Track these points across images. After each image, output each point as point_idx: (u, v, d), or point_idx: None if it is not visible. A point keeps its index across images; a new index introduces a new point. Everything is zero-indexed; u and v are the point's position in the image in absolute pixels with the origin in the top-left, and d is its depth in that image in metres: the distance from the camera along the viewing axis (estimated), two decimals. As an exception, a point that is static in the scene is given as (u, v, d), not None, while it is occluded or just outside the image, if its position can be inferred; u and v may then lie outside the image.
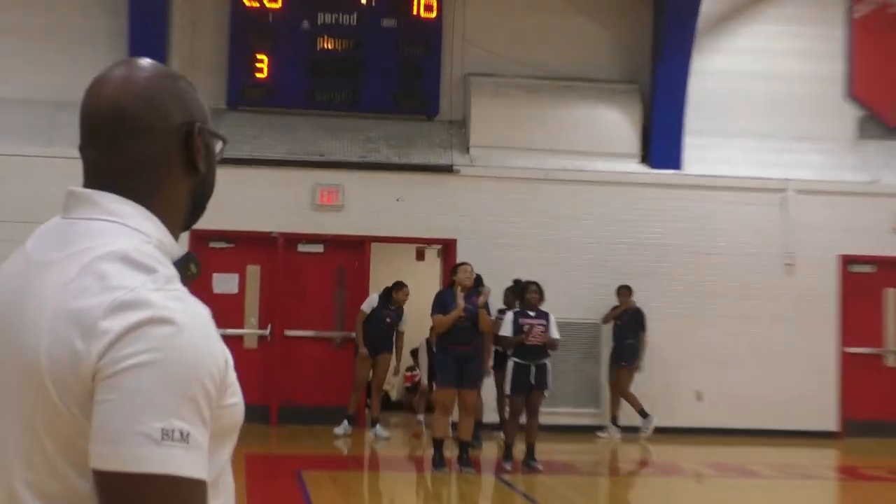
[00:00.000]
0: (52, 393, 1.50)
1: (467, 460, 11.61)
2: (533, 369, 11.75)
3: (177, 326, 1.49)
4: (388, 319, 14.10)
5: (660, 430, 15.15)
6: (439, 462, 11.57)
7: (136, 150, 1.68)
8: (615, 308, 15.15)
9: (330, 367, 15.06)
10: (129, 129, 1.68)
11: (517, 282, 13.95)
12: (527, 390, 11.75)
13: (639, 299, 15.42)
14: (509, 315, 12.11)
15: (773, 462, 13.39)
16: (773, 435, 15.37)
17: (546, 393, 12.20)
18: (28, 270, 1.61)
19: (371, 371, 14.18)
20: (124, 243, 1.58)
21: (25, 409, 1.54)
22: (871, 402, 15.86)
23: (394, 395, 17.87)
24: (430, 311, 11.90)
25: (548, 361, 11.94)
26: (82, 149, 1.74)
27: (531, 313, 11.92)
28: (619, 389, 14.95)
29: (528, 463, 11.85)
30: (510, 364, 11.96)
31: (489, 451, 13.08)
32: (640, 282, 15.55)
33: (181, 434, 1.45)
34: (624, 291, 15.10)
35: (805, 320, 15.86)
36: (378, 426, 14.15)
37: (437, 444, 11.65)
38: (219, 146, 1.80)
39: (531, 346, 11.71)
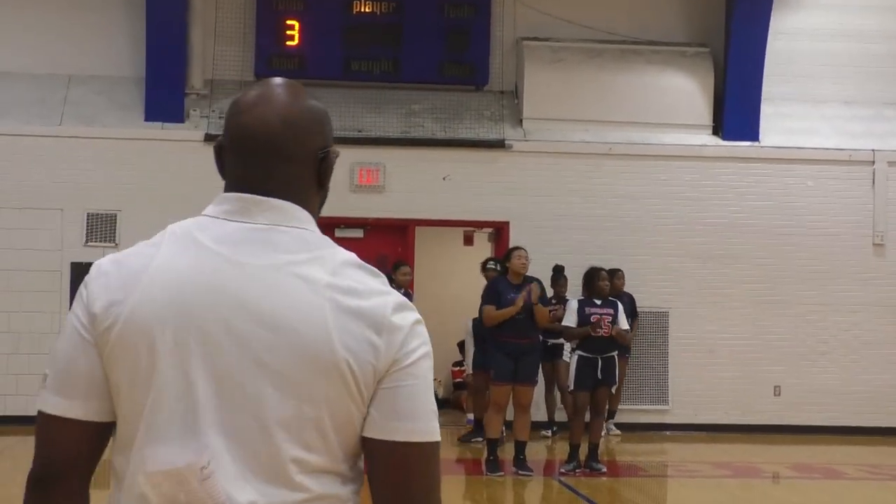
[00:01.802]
0: (349, 379, 2.06)
1: (524, 462, 12.26)
2: (599, 363, 12.31)
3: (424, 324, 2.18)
4: None
5: (734, 429, 15.79)
6: (493, 465, 12.19)
7: (282, 172, 2.19)
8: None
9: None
10: (278, 154, 2.18)
11: (558, 268, 14.62)
12: (592, 386, 12.34)
13: (712, 284, 16.03)
14: (573, 304, 12.60)
15: (862, 462, 13.93)
16: (862, 433, 15.89)
17: (613, 389, 12.85)
18: (240, 270, 2.09)
19: None
20: (345, 252, 2.17)
21: (307, 392, 2.06)
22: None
23: (441, 393, 18.53)
24: (479, 302, 12.39)
25: (615, 355, 12.55)
26: (226, 156, 2.22)
27: (597, 302, 12.50)
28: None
29: (591, 465, 12.45)
30: (574, 357, 12.52)
31: (539, 451, 13.71)
32: (713, 265, 16.13)
33: (436, 408, 2.17)
34: (619, 275, 15.23)
35: (896, 306, 16.36)
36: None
37: (491, 446, 12.27)
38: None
39: (598, 338, 12.24)
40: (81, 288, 2.18)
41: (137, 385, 2.10)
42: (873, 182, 16.48)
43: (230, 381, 2.07)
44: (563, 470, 12.41)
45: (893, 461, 14.25)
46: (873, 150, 16.50)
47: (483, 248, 17.25)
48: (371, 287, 2.12)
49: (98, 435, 2.16)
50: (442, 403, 18.02)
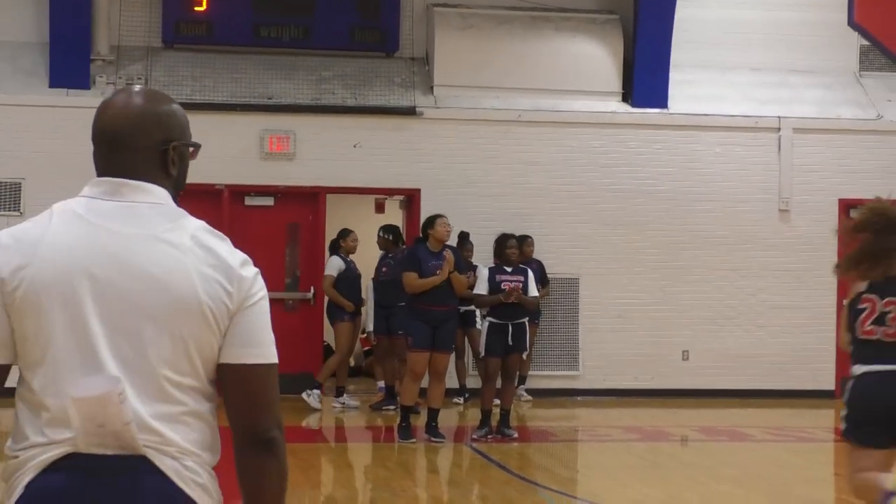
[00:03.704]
0: (210, 318, 2.70)
1: (436, 429, 12.32)
2: (510, 329, 12.41)
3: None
4: (357, 273, 14.81)
5: (643, 393, 16.02)
6: (406, 431, 12.21)
7: (131, 160, 2.81)
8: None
9: (283, 332, 15.55)
10: (125, 147, 2.81)
11: (463, 234, 14.71)
12: (503, 352, 12.43)
13: (621, 250, 16.23)
14: (483, 271, 12.74)
15: (766, 424, 14.22)
16: (766, 396, 16.21)
17: (524, 355, 12.95)
18: (118, 238, 2.70)
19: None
20: (198, 220, 2.80)
21: (177, 329, 2.68)
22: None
23: (352, 361, 18.54)
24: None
25: (525, 321, 12.64)
26: (94, 150, 2.84)
27: (508, 269, 12.60)
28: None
29: (503, 430, 12.56)
30: (485, 324, 12.64)
31: (450, 418, 13.79)
32: (622, 232, 16.32)
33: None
34: (528, 242, 15.24)
35: (801, 271, 16.65)
36: (346, 395, 14.87)
37: (405, 413, 12.29)
38: (192, 150, 2.92)
39: (508, 304, 12.33)
40: None
41: (43, 333, 2.67)
42: (779, 148, 16.75)
43: (118, 325, 2.67)
44: (475, 436, 12.50)
45: (797, 423, 14.57)
46: (779, 117, 16.76)
47: (395, 215, 17.26)
48: (221, 247, 2.76)
49: (2, 376, 2.75)
50: (353, 372, 18.05)
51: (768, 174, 16.70)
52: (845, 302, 6.91)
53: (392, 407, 14.30)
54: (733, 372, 16.42)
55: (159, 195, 2.79)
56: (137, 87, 2.93)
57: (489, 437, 12.45)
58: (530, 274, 12.74)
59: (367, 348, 18.02)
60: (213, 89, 15.84)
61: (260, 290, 2.78)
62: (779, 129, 16.73)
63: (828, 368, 16.67)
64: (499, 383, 12.66)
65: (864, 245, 6.62)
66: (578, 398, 16.12)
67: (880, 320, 6.57)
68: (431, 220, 12.39)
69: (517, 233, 13.89)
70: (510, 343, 12.38)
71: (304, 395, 14.53)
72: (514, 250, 12.68)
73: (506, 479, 10.55)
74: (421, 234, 12.57)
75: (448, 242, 12.43)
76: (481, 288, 12.48)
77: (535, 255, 15.53)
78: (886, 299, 6.54)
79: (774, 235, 16.69)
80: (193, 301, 2.69)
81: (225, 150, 15.52)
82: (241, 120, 15.70)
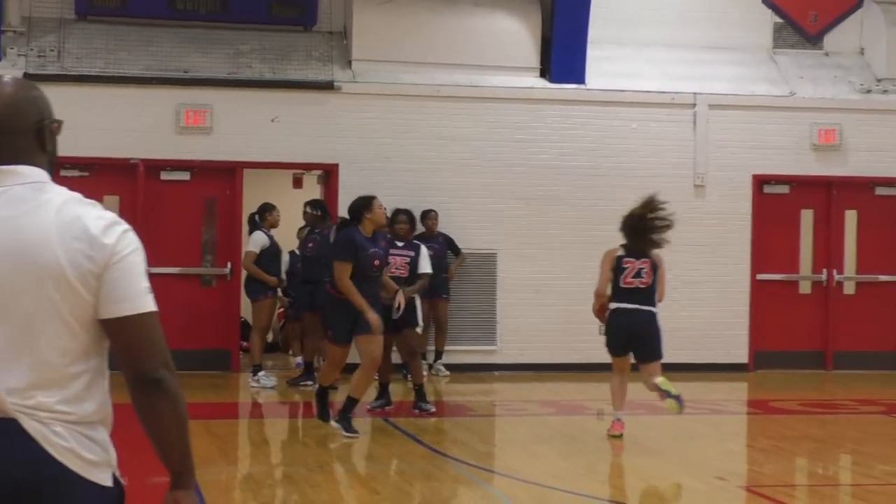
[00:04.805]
0: (77, 285, 2.94)
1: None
2: (396, 305, 12.12)
3: (133, 231, 3.06)
4: (279, 248, 14.76)
5: (560, 367, 16.15)
6: (322, 412, 11.72)
7: (11, 143, 3.06)
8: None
9: (199, 308, 15.50)
10: (3, 130, 3.04)
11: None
12: (394, 329, 12.12)
13: (539, 225, 16.32)
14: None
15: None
16: (680, 369, 16.26)
17: (418, 329, 12.85)
18: None
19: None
20: (68, 193, 3.03)
21: (49, 301, 2.93)
22: (782, 332, 17.06)
23: (270, 337, 18.48)
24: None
25: (416, 297, 12.55)
26: None
27: (399, 244, 12.57)
28: (440, 323, 15.79)
29: (420, 405, 12.59)
30: None
31: (369, 394, 13.76)
32: (539, 207, 16.41)
33: (149, 288, 3.04)
34: (432, 216, 15.40)
35: (715, 246, 16.89)
36: (263, 373, 14.71)
37: (321, 394, 11.74)
38: (57, 126, 3.17)
39: (394, 279, 12.17)
40: None
41: None
42: (694, 124, 16.93)
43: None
44: (369, 406, 12.48)
45: (710, 396, 14.75)
46: (695, 94, 16.94)
47: (312, 190, 17.21)
48: (88, 215, 2.99)
49: None
50: (272, 347, 18.01)
51: (683, 150, 16.89)
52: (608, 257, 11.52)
53: (310, 383, 14.26)
54: (648, 346, 16.57)
55: (31, 174, 3.04)
56: (7, 78, 3.16)
57: (386, 408, 12.53)
58: (423, 249, 12.71)
59: (281, 323, 17.99)
60: (128, 62, 15.66)
61: (127, 247, 3.00)
62: (694, 104, 16.92)
63: (741, 342, 16.93)
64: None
65: (629, 227, 11.48)
66: (496, 373, 16.22)
67: (637, 274, 11.20)
68: (368, 202, 11.24)
69: (434, 207, 13.89)
70: (395, 319, 12.04)
71: (252, 384, 14.48)
72: (402, 225, 12.75)
73: (423, 454, 10.58)
74: (349, 217, 11.48)
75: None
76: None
77: (452, 230, 15.57)
78: (640, 260, 11.21)
79: (689, 210, 16.76)
80: (59, 272, 2.94)
81: (140, 123, 15.40)
82: (156, 93, 15.54)
